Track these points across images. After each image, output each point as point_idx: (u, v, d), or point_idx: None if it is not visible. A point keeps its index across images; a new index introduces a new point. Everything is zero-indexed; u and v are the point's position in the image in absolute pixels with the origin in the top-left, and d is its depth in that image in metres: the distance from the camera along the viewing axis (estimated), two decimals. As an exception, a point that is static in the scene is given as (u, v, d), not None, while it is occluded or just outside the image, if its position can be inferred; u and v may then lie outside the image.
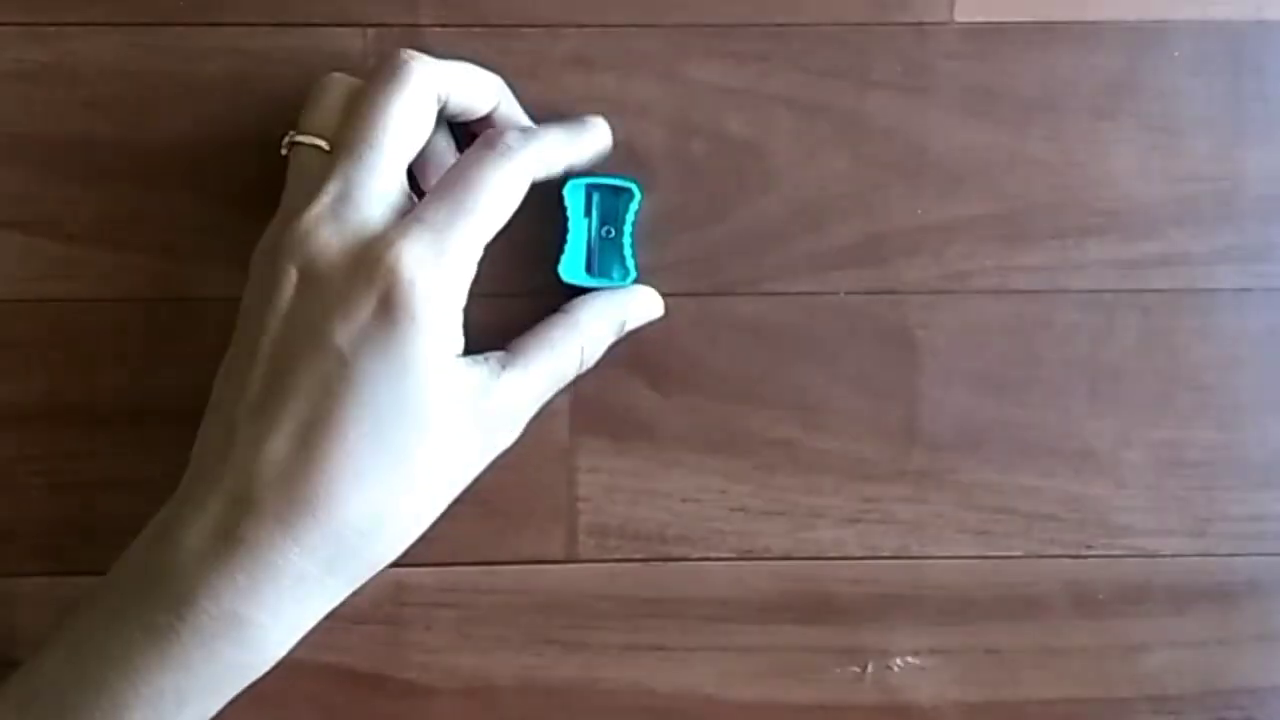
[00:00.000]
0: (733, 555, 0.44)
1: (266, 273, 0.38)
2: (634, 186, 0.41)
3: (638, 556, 0.44)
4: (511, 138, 0.38)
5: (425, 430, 0.36)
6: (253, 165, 0.43)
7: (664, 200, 0.43)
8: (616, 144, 0.43)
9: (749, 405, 0.44)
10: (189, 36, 0.43)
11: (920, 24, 0.44)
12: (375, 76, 0.38)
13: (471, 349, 0.38)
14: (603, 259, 0.42)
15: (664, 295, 0.42)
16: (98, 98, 0.42)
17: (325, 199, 0.37)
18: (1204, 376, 0.44)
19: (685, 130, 0.43)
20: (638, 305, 0.42)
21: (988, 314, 0.44)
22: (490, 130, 0.39)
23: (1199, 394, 0.44)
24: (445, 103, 0.39)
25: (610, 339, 0.41)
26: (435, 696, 0.44)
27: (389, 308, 0.36)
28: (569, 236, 0.41)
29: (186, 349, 0.43)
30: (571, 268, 0.41)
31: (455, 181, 0.38)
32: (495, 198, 0.38)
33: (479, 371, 0.38)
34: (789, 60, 0.43)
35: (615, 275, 0.42)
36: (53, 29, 0.42)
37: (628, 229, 0.42)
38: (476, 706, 0.44)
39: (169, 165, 0.43)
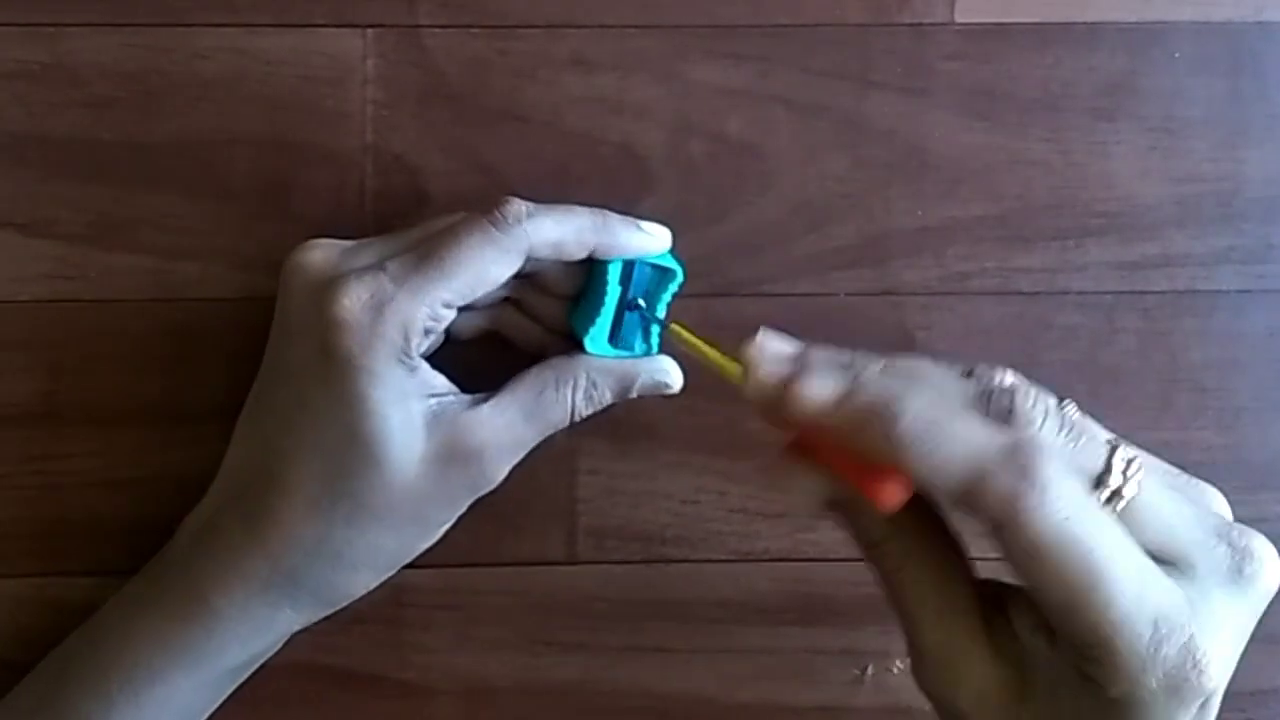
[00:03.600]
0: (732, 557, 0.44)
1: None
2: (679, 269, 0.40)
3: (637, 558, 0.44)
4: (514, 212, 0.37)
5: (378, 467, 0.36)
6: (253, 165, 0.43)
7: (664, 201, 0.43)
8: (616, 144, 0.43)
9: (748, 407, 0.44)
10: (189, 36, 0.43)
11: (920, 25, 0.44)
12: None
13: None
14: (627, 330, 0.40)
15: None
16: (98, 98, 0.42)
17: (350, 242, 0.38)
18: (1204, 378, 0.44)
19: (685, 131, 0.43)
20: (650, 374, 0.40)
21: (988, 315, 0.44)
22: (505, 198, 0.38)
23: (1199, 395, 0.44)
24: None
25: (610, 399, 0.40)
26: (434, 697, 0.44)
27: (326, 348, 0.36)
28: (602, 309, 0.39)
29: (186, 349, 0.43)
30: (597, 340, 0.40)
31: (435, 238, 0.37)
32: (467, 264, 0.37)
33: (451, 409, 0.37)
34: (789, 60, 0.43)
35: (637, 347, 0.41)
36: (53, 29, 0.42)
37: (662, 308, 0.40)
38: (475, 707, 0.44)
39: (169, 165, 0.43)
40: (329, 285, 0.36)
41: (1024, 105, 0.44)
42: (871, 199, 0.44)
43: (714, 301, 0.43)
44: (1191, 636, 0.29)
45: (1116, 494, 0.31)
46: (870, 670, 0.44)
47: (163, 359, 0.43)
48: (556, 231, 0.38)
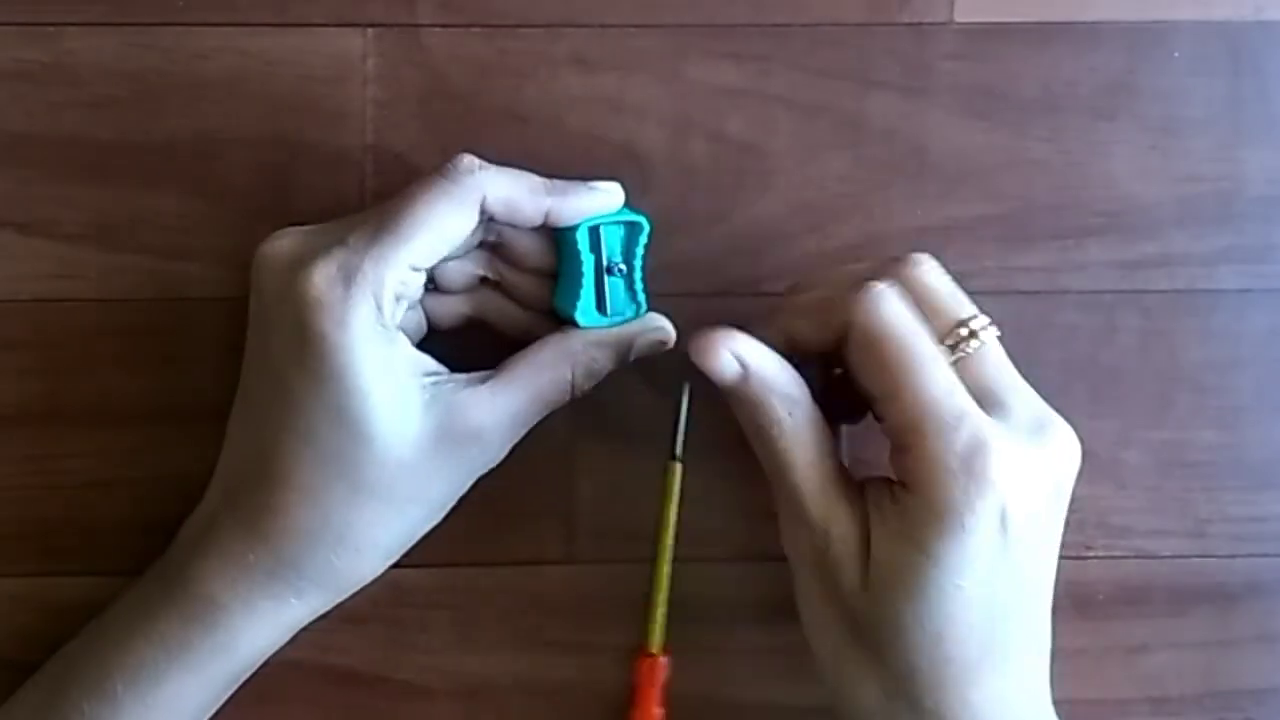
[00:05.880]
0: (734, 556, 0.44)
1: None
2: (643, 220, 0.40)
3: (637, 558, 0.44)
4: (465, 164, 0.38)
5: (369, 444, 0.36)
6: (253, 165, 0.43)
7: (664, 201, 0.43)
8: (616, 144, 0.43)
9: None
10: (189, 36, 0.43)
11: (920, 24, 0.44)
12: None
13: None
14: (613, 296, 0.40)
15: (663, 295, 0.42)
16: (98, 98, 0.42)
17: (313, 226, 0.38)
18: (1204, 377, 0.44)
19: (685, 130, 0.43)
20: (645, 335, 0.40)
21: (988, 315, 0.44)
22: (458, 156, 0.38)
23: (1199, 395, 0.44)
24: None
25: (609, 366, 0.40)
26: (433, 697, 0.44)
27: (300, 327, 0.36)
28: (582, 280, 0.39)
29: (186, 349, 0.43)
30: (587, 311, 0.40)
31: (389, 204, 0.37)
32: (424, 221, 0.37)
33: (447, 388, 0.38)
34: (789, 60, 0.43)
35: (627, 311, 0.40)
36: (52, 29, 0.42)
37: (638, 263, 0.40)
38: (474, 707, 0.44)
39: (169, 165, 0.43)
40: (297, 267, 0.36)
41: (1024, 105, 0.44)
42: (871, 199, 0.44)
43: (714, 301, 0.43)
44: (987, 438, 0.35)
45: (973, 334, 0.37)
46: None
47: (163, 359, 0.43)
48: (508, 186, 0.38)
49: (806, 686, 0.44)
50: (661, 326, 0.40)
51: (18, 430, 0.43)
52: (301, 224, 0.41)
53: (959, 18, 0.44)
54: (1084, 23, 0.44)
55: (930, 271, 0.38)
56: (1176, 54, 0.44)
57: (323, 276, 0.36)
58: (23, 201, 0.42)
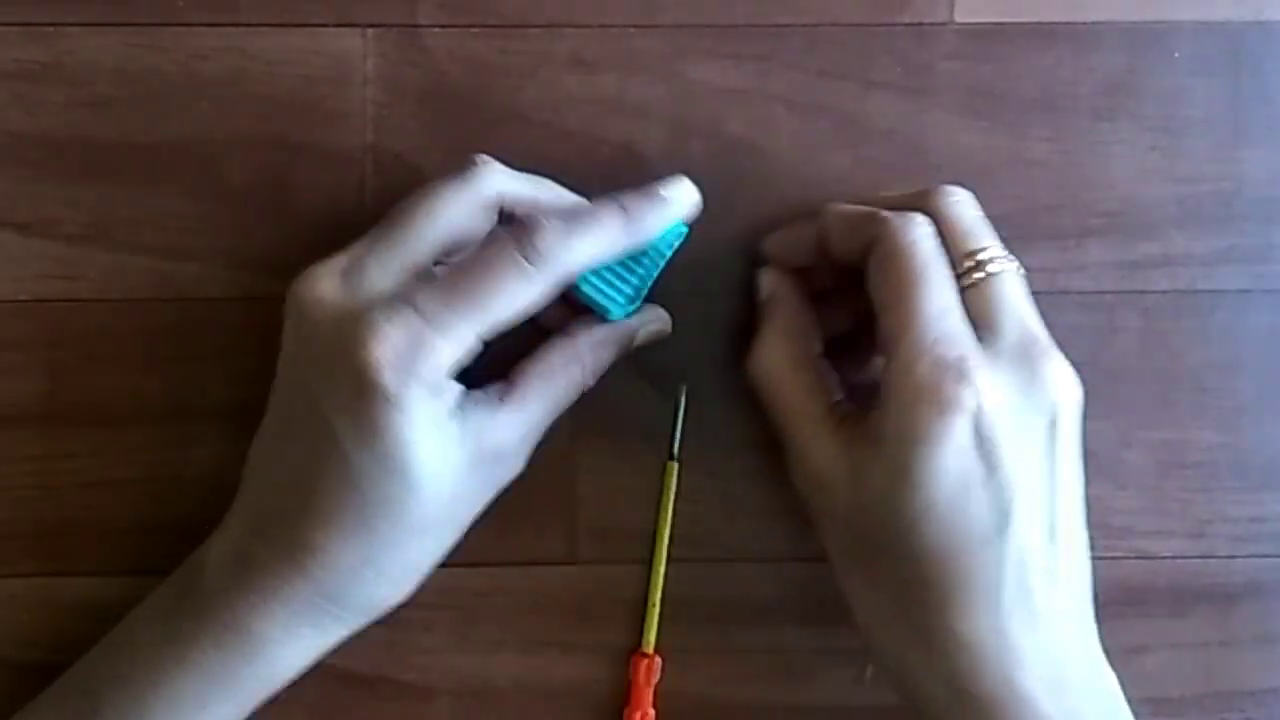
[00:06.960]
0: (733, 556, 0.44)
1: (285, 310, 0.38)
2: (686, 229, 0.40)
3: (637, 558, 0.44)
4: (544, 240, 0.37)
5: (415, 490, 0.36)
6: (252, 165, 0.43)
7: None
8: (616, 144, 0.43)
9: (750, 405, 0.44)
10: (189, 36, 0.43)
11: (920, 24, 0.44)
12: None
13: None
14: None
15: (665, 295, 0.42)
16: (98, 98, 0.42)
17: (341, 259, 0.38)
18: (1204, 378, 0.44)
19: (685, 130, 0.43)
20: (647, 327, 0.41)
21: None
22: (530, 218, 0.37)
23: (1199, 395, 0.44)
24: (507, 210, 0.39)
25: (611, 360, 0.41)
26: (434, 697, 0.44)
27: (362, 387, 0.35)
28: (643, 281, 0.40)
29: (186, 349, 0.43)
30: (625, 309, 0.40)
31: (465, 275, 0.36)
32: (502, 302, 0.36)
33: (475, 415, 0.37)
34: (789, 60, 0.43)
35: (646, 310, 0.41)
36: (52, 29, 0.42)
37: (663, 263, 0.40)
38: (476, 708, 0.44)
39: (169, 165, 0.43)
40: (356, 324, 0.36)
41: (1024, 105, 0.44)
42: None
43: (714, 300, 0.43)
44: (958, 357, 0.36)
45: (979, 266, 0.37)
46: (870, 670, 0.44)
47: (163, 359, 0.43)
48: (590, 250, 0.37)
49: (802, 686, 0.44)
50: (660, 316, 0.42)
51: (18, 430, 0.43)
52: (301, 224, 0.41)
53: (959, 18, 0.44)
54: (1084, 23, 0.44)
55: (957, 204, 0.39)
56: (1176, 54, 0.44)
57: (388, 344, 0.35)
58: (23, 201, 0.42)
